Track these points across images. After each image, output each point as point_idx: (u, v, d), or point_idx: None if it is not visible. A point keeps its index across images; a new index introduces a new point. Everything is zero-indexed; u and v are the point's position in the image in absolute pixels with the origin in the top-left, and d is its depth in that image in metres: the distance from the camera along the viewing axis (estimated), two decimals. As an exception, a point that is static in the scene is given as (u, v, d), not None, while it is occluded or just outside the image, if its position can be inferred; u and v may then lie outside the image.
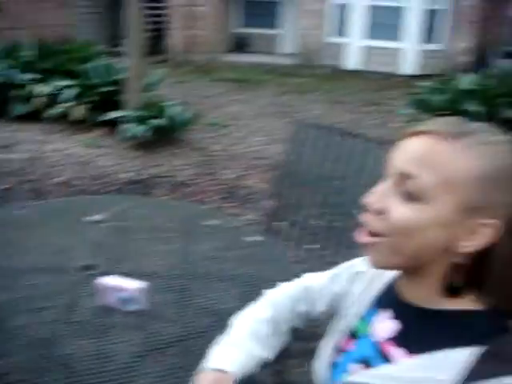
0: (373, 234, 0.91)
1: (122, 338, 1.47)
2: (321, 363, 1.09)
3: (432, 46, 13.40)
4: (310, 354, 1.14)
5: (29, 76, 7.90)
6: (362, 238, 0.93)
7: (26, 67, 8.15)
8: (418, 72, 12.83)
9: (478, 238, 0.85)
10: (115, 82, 7.34)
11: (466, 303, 0.89)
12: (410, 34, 13.25)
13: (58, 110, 7.39)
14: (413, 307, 0.94)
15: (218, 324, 1.54)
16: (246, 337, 1.19)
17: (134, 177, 5.69)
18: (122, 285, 1.55)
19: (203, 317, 1.56)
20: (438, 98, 7.61)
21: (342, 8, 13.90)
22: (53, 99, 7.56)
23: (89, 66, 7.86)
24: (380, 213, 0.89)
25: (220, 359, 1.14)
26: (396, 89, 11.38)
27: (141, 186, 5.45)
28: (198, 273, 1.82)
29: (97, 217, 2.19)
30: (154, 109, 6.62)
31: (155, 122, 6.33)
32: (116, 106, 7.04)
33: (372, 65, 13.28)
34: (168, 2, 15.66)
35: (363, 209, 0.92)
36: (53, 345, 1.42)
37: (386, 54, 13.24)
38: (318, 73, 13.27)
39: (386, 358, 0.94)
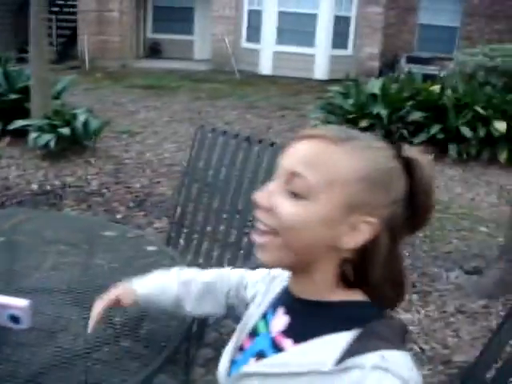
0: (264, 233, 0.95)
1: (19, 356, 1.39)
2: (222, 363, 1.12)
3: (341, 52, 13.72)
4: (216, 361, 1.13)
5: None
6: (255, 238, 0.97)
7: None
8: (329, 77, 13.10)
9: (358, 234, 0.91)
10: (21, 89, 7.09)
11: (352, 296, 0.95)
12: (321, 40, 13.52)
13: (-41, 119, 7.07)
14: (300, 301, 0.99)
15: (119, 334, 1.51)
16: (171, 279, 1.39)
17: (42, 187, 5.51)
18: (8, 302, 1.48)
19: (104, 329, 1.51)
20: (346, 102, 7.78)
21: (255, 14, 14.03)
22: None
23: (-6, 72, 7.57)
24: (269, 210, 0.93)
25: (136, 281, 1.40)
26: (309, 93, 11.57)
27: (48, 197, 5.28)
28: (97, 285, 1.76)
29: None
30: (62, 117, 6.43)
31: (64, 130, 6.15)
32: (23, 114, 6.80)
33: (285, 70, 13.45)
34: (78, 7, 15.33)
35: (253, 206, 0.96)
36: None
37: (298, 59, 13.46)
38: (232, 79, 13.33)
39: (278, 350, 0.99)
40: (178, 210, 2.99)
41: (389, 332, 0.91)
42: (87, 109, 7.08)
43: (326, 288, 0.96)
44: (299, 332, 0.97)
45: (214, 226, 2.84)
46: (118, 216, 4.87)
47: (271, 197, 0.94)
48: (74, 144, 6.41)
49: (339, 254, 0.93)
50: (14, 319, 1.49)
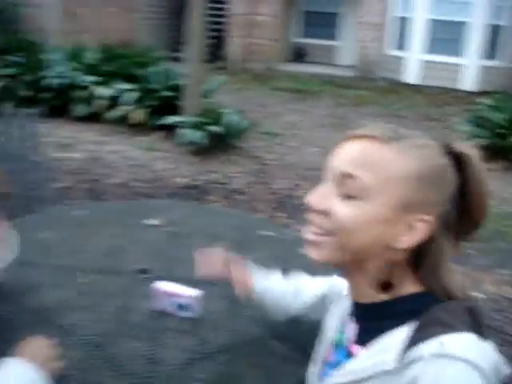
0: (318, 233, 0.95)
1: (173, 342, 1.48)
2: (311, 376, 1.15)
3: (492, 63, 13.15)
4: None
5: (91, 78, 8.09)
6: (307, 235, 0.97)
7: (89, 70, 8.36)
8: (478, 88, 12.61)
9: (415, 233, 0.91)
10: (174, 88, 7.45)
11: (405, 290, 0.95)
12: (471, 50, 13.03)
13: (117, 112, 7.55)
14: (360, 306, 1.01)
15: (268, 334, 1.55)
16: (288, 289, 1.40)
17: (189, 182, 5.75)
18: (178, 291, 1.57)
19: (254, 326, 1.56)
20: (496, 116, 7.46)
21: (403, 21, 13.77)
22: (113, 102, 7.73)
23: (149, 70, 8.01)
24: (323, 213, 0.93)
25: (260, 276, 1.43)
26: (455, 105, 11.21)
27: (195, 192, 5.51)
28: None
29: (154, 221, 2.23)
30: (211, 115, 6.69)
31: (212, 128, 6.40)
32: (174, 110, 7.15)
33: (431, 79, 13.10)
34: (229, 10, 15.81)
35: (307, 208, 0.96)
36: (105, 345, 1.45)
37: (446, 68, 13.05)
38: (376, 86, 13.18)
39: (351, 358, 1.00)
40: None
41: (448, 316, 0.88)
42: (236, 109, 7.31)
43: (377, 288, 0.95)
44: (365, 337, 0.97)
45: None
46: (260, 216, 4.98)
47: (324, 200, 0.93)
48: (221, 142, 6.65)
49: (393, 254, 0.93)
50: (183, 307, 1.58)
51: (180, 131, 6.63)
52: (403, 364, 0.85)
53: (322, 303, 1.33)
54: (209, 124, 6.51)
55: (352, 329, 1.03)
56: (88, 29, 15.28)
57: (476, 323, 0.88)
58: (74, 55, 8.99)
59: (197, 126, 6.51)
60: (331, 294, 1.29)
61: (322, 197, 0.94)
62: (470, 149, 0.96)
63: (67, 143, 6.74)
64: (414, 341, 0.86)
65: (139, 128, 7.44)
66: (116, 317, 1.57)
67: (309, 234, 0.97)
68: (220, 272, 1.42)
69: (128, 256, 1.95)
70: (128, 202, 3.84)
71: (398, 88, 12.91)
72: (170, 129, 7.17)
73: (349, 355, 1.01)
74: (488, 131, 7.43)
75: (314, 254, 0.97)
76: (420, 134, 0.96)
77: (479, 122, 7.73)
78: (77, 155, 6.38)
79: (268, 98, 10.94)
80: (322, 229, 0.94)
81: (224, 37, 15.98)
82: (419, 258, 0.94)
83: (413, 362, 0.84)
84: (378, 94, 12.18)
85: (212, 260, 1.43)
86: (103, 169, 6.04)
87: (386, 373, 0.88)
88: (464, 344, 0.84)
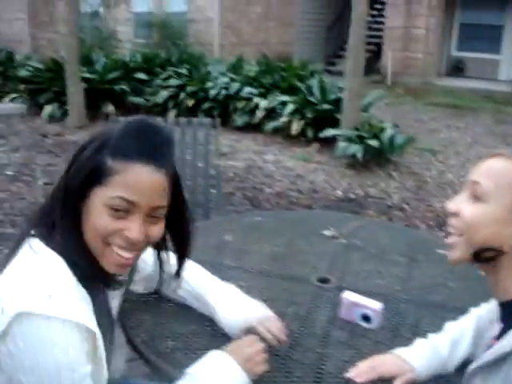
0: (452, 234, 1.17)
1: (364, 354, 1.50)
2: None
3: None
4: None
5: (251, 90, 8.37)
6: (448, 240, 1.19)
7: (249, 82, 8.65)
8: None
9: None
10: (332, 101, 7.51)
11: None
12: None
13: (276, 123, 7.74)
14: (502, 305, 1.18)
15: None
16: (443, 343, 1.41)
17: (346, 195, 5.77)
18: (364, 302, 1.60)
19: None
20: None
21: None
22: (272, 113, 7.95)
23: (308, 83, 8.14)
24: (456, 214, 1.16)
25: (406, 353, 1.39)
26: None
27: (352, 205, 5.51)
28: (428, 300, 1.82)
29: (330, 232, 2.28)
30: (370, 129, 6.67)
31: (371, 142, 6.38)
32: (332, 123, 7.21)
33: None
34: (385, 23, 15.70)
35: (447, 214, 1.20)
36: (295, 348, 1.50)
37: None
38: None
39: None
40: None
41: None
42: (394, 124, 7.24)
43: (508, 285, 1.13)
44: (504, 331, 1.13)
45: None
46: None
47: (458, 204, 1.17)
48: (378, 157, 6.61)
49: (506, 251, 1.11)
50: (366, 318, 1.61)
51: (338, 144, 6.67)
52: None
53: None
54: (367, 138, 6.50)
55: (495, 329, 1.19)
56: (248, 42, 15.80)
57: None
58: (235, 68, 9.35)
59: (355, 140, 6.52)
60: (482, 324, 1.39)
61: (456, 202, 1.18)
62: None
63: (228, 151, 7.02)
64: None
65: (297, 139, 7.58)
66: (301, 323, 1.63)
67: (449, 238, 1.19)
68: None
69: (308, 265, 2.01)
70: (302, 212, 3.96)
71: None
72: (326, 141, 7.24)
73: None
74: None
75: (450, 254, 1.19)
76: None
77: None
78: (238, 163, 6.62)
79: (424, 113, 10.71)
80: (454, 228, 1.17)
81: (380, 50, 15.88)
82: None
83: None
84: (543, 111, 11.52)
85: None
86: (261, 178, 6.22)
87: None
88: None
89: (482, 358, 1.14)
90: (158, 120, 1.22)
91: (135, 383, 1.40)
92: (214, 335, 1.51)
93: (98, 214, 1.11)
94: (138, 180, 1.10)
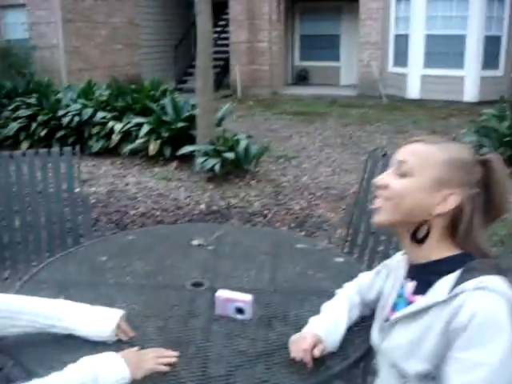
0: (379, 201, 1.40)
1: (240, 344, 1.69)
2: (374, 331, 1.55)
3: (492, 73, 13.39)
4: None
5: (104, 114, 8.37)
6: (373, 205, 1.42)
7: (101, 106, 8.64)
8: (479, 99, 12.85)
9: (448, 203, 1.33)
10: (186, 118, 7.70)
11: (452, 251, 1.36)
12: (470, 61, 13.27)
13: (133, 145, 7.80)
14: (416, 266, 1.41)
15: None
16: (342, 311, 1.71)
17: (209, 207, 5.97)
18: (236, 297, 1.79)
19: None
20: (501, 125, 7.65)
21: (402, 38, 14.07)
22: (128, 135, 7.99)
23: (161, 103, 8.27)
24: (384, 187, 1.39)
25: (314, 324, 1.65)
26: (458, 117, 11.43)
27: (216, 216, 5.72)
28: (294, 289, 2.04)
29: (198, 241, 2.46)
30: (226, 143, 6.93)
31: (228, 155, 6.63)
32: (188, 140, 7.40)
33: (433, 93, 13.34)
34: (230, 39, 16.18)
35: (374, 188, 1.43)
36: (181, 346, 1.66)
37: (447, 82, 13.29)
38: (379, 103, 13.44)
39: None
40: (351, 231, 3.23)
41: (484, 266, 1.29)
42: (247, 135, 7.55)
43: (429, 250, 1.37)
44: (423, 287, 1.36)
45: (386, 246, 3.06)
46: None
47: (386, 178, 1.40)
48: (236, 168, 6.88)
49: (435, 219, 1.34)
50: (239, 311, 1.80)
51: (196, 160, 6.87)
52: (451, 295, 1.25)
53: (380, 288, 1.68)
54: (223, 151, 6.74)
55: (409, 286, 1.43)
56: (96, 66, 15.64)
57: (502, 273, 1.29)
58: (86, 93, 9.28)
59: (212, 154, 6.75)
60: (385, 270, 1.68)
61: (384, 177, 1.41)
62: (494, 156, 1.38)
63: (88, 178, 7.00)
64: (461, 280, 1.26)
65: (155, 159, 7.69)
66: (185, 322, 1.79)
67: (374, 204, 1.42)
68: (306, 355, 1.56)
69: (183, 272, 2.17)
70: (171, 226, 4.10)
71: (401, 104, 13.17)
72: (185, 158, 7.42)
73: (410, 304, 1.39)
74: (495, 140, 7.61)
75: (376, 218, 1.42)
76: (460, 143, 1.43)
77: (484, 132, 7.92)
78: (99, 189, 6.62)
79: (275, 122, 11.20)
80: (382, 197, 1.39)
81: (228, 65, 16.33)
82: (455, 226, 1.35)
83: (459, 293, 1.24)
84: (382, 111, 12.42)
85: (302, 345, 1.58)
86: (125, 200, 6.27)
87: (440, 303, 1.27)
88: (498, 282, 1.24)
89: (404, 310, 1.39)
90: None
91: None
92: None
93: None
94: None
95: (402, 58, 14.14)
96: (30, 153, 3.35)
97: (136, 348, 1.58)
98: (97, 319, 1.68)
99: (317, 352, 1.54)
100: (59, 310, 1.69)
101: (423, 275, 1.38)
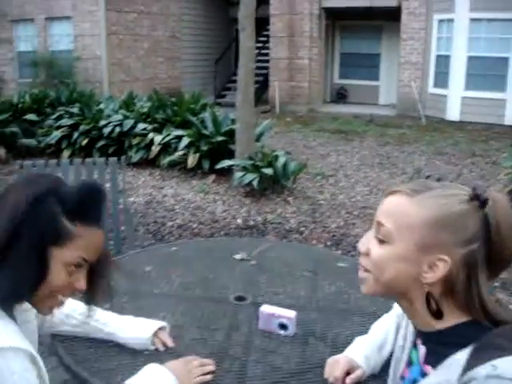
0: (364, 271, 1.20)
1: (280, 360, 1.70)
2: None
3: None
4: None
5: (145, 125, 8.49)
6: (359, 274, 1.22)
7: (142, 118, 8.78)
8: (522, 123, 12.69)
9: (437, 270, 1.10)
10: (226, 132, 7.77)
11: (459, 318, 1.13)
12: (514, 85, 13.11)
13: (172, 157, 7.89)
14: (421, 333, 1.21)
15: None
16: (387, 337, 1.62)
17: (246, 222, 6.00)
18: (281, 313, 1.81)
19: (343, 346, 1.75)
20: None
21: (443, 59, 14.00)
22: (167, 147, 8.09)
23: (200, 116, 8.36)
24: (365, 254, 1.19)
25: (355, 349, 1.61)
26: (499, 140, 11.29)
27: (252, 231, 5.74)
28: (334, 307, 2.05)
29: (240, 255, 2.48)
30: (265, 158, 6.97)
31: (266, 170, 6.66)
32: (227, 154, 7.46)
33: (474, 116, 13.21)
34: (270, 55, 16.30)
35: (358, 253, 1.23)
36: (221, 359, 1.68)
37: (487, 104, 13.16)
38: (418, 124, 13.36)
39: (424, 377, 1.19)
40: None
41: (499, 341, 1.05)
42: (286, 151, 7.58)
43: (429, 318, 1.15)
44: (432, 359, 1.16)
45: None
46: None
47: (367, 243, 1.19)
48: (274, 184, 6.91)
49: (426, 288, 1.12)
50: (283, 326, 1.81)
51: (234, 174, 6.92)
52: (461, 383, 1.03)
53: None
54: (261, 166, 6.78)
55: (422, 350, 1.23)
56: (137, 78, 15.89)
57: None
58: (127, 104, 9.44)
59: (250, 169, 6.79)
60: (398, 319, 1.53)
61: (366, 241, 1.20)
62: (498, 194, 1.12)
63: (127, 188, 7.08)
64: (472, 363, 1.03)
65: (193, 172, 7.77)
66: (226, 336, 1.81)
67: (359, 272, 1.22)
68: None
69: (227, 286, 2.20)
70: (213, 239, 4.14)
71: (440, 126, 13.07)
72: (223, 172, 7.49)
73: (423, 374, 1.20)
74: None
75: (362, 288, 1.23)
76: (450, 184, 1.17)
77: (525, 157, 7.80)
78: (137, 199, 6.71)
79: (313, 140, 11.21)
80: (363, 266, 1.20)
81: (267, 81, 16.44)
82: (453, 292, 1.12)
83: (468, 382, 1.01)
84: (421, 132, 12.34)
85: (335, 370, 1.59)
86: (162, 212, 6.34)
87: None
88: None
89: None
90: (98, 183, 1.36)
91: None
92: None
93: (56, 273, 1.22)
94: (96, 242, 1.28)
95: (442, 79, 14.05)
96: (76, 161, 3.42)
97: (182, 359, 1.61)
98: (136, 327, 1.74)
99: (348, 381, 1.54)
100: (105, 316, 1.75)
101: (432, 344, 1.19)
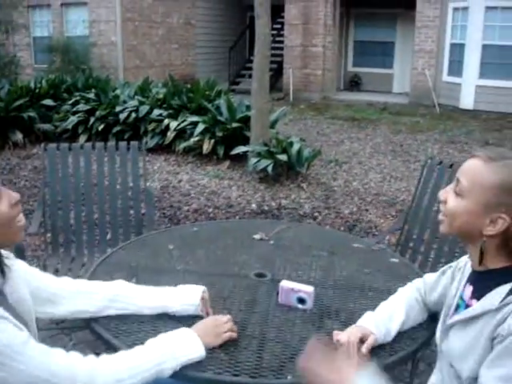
0: (442, 215, 1.50)
1: (298, 331, 1.80)
2: (438, 330, 1.62)
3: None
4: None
5: (160, 111, 8.58)
6: (439, 217, 1.51)
7: (158, 104, 8.87)
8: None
9: (496, 226, 1.37)
10: (240, 119, 7.84)
11: (502, 263, 1.41)
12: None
13: (187, 143, 7.98)
14: (475, 273, 1.51)
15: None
16: (400, 308, 1.79)
17: (260, 207, 6.09)
18: (299, 287, 1.91)
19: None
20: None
21: (457, 47, 13.95)
22: (183, 133, 8.18)
23: (215, 103, 8.44)
24: (444, 202, 1.48)
25: (368, 319, 1.74)
26: (513, 129, 11.30)
27: (267, 216, 5.83)
28: (350, 285, 2.14)
29: (259, 235, 2.58)
30: (279, 144, 7.04)
31: (281, 157, 6.74)
32: (242, 140, 7.54)
33: (487, 104, 13.19)
34: (284, 43, 16.30)
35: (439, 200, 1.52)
36: (243, 328, 1.79)
37: (502, 93, 13.12)
38: (431, 112, 13.37)
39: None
40: (402, 237, 3.33)
41: None
42: (300, 138, 7.65)
43: (488, 260, 1.42)
44: (479, 293, 1.44)
45: (436, 254, 3.14)
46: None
47: (446, 194, 1.48)
48: (288, 170, 6.99)
49: (484, 238, 1.40)
50: (301, 301, 1.91)
51: (249, 160, 7.00)
52: (503, 304, 1.33)
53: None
54: (276, 153, 6.86)
55: (468, 290, 1.52)
56: (152, 65, 15.96)
57: None
58: (142, 90, 9.53)
59: (265, 155, 6.87)
60: (450, 271, 1.75)
61: (445, 192, 1.49)
62: None
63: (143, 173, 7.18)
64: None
65: (208, 158, 7.85)
66: (247, 308, 1.92)
67: (439, 215, 1.52)
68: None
69: (247, 264, 2.31)
70: (233, 221, 4.24)
71: (454, 114, 13.07)
72: (237, 158, 7.57)
73: (468, 307, 1.48)
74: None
75: (440, 228, 1.52)
76: None
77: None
78: (153, 184, 6.81)
79: (327, 127, 11.27)
80: (442, 211, 1.50)
81: (281, 68, 16.46)
82: (508, 243, 1.38)
83: (509, 303, 1.32)
84: (434, 120, 12.36)
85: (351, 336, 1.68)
86: (178, 196, 6.44)
87: (492, 311, 1.35)
88: None
89: (460, 315, 1.48)
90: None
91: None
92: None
93: None
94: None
95: (456, 67, 14.01)
96: (99, 145, 3.52)
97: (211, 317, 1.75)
98: (183, 296, 1.83)
99: (364, 350, 1.63)
100: (148, 294, 1.85)
101: (480, 282, 1.46)
